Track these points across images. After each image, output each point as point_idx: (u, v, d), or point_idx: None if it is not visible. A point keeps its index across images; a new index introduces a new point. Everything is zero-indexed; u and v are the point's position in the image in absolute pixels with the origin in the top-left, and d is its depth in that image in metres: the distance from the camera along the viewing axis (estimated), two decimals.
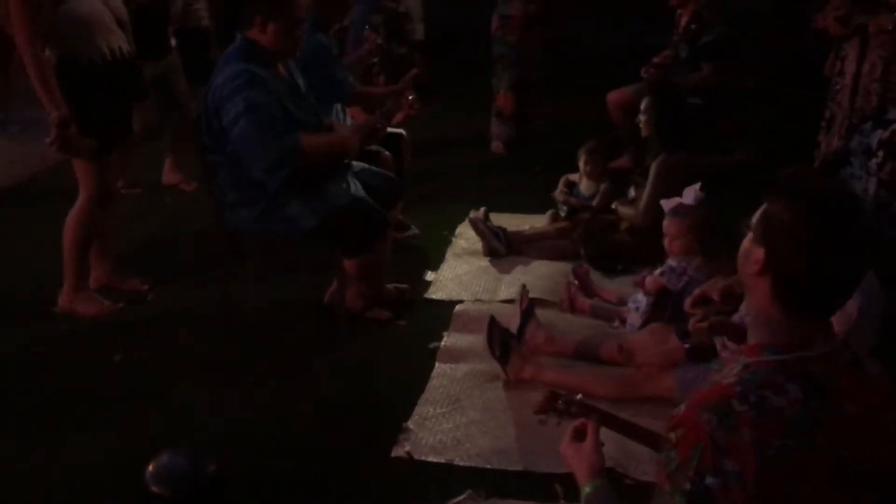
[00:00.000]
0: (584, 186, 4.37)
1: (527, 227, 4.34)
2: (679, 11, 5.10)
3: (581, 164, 4.36)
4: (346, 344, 3.26)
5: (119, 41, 3.39)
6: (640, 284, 3.28)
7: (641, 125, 4.00)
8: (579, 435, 1.80)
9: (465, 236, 4.38)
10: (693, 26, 4.91)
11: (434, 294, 3.71)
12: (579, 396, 1.81)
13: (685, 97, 4.13)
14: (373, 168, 3.48)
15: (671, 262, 3.21)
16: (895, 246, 4.21)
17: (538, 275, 3.83)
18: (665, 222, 3.26)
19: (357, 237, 3.09)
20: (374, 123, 3.41)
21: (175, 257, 4.18)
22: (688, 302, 2.91)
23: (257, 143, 2.92)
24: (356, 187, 3.21)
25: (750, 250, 1.54)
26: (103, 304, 3.56)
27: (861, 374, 1.49)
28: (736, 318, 2.68)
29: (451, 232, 4.47)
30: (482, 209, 4.21)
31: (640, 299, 3.31)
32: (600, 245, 3.97)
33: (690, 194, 3.23)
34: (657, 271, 3.22)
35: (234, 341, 3.28)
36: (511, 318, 3.22)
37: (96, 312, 3.50)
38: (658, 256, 3.89)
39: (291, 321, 3.44)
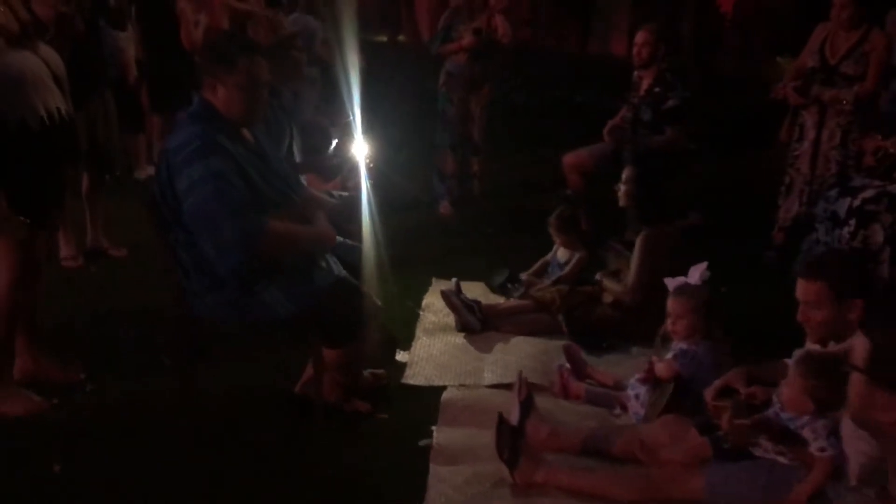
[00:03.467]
0: (561, 254, 4.17)
1: (501, 299, 4.09)
2: (638, 73, 5.01)
3: (553, 235, 4.16)
4: (326, 444, 2.87)
5: (57, 101, 2.98)
6: (647, 376, 3.04)
7: (620, 195, 3.85)
8: None
9: (433, 308, 4.09)
10: (657, 89, 4.82)
11: (412, 379, 3.38)
12: None
13: (667, 169, 3.99)
14: (346, 241, 3.15)
15: (682, 345, 3.00)
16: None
17: (522, 354, 3.56)
18: (669, 301, 3.07)
19: (343, 325, 2.74)
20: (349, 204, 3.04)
21: (111, 339, 3.69)
22: (709, 393, 2.71)
23: (211, 219, 2.55)
24: (338, 267, 2.88)
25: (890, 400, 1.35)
26: (32, 399, 3.07)
27: None
28: (770, 413, 2.48)
29: (415, 303, 4.17)
30: (454, 280, 3.93)
31: (639, 386, 3.09)
32: (582, 320, 3.75)
33: (696, 273, 3.05)
34: (669, 355, 3.01)
35: (198, 444, 2.86)
36: (507, 409, 2.94)
37: (24, 411, 3.01)
38: (645, 333, 3.72)
39: (260, 417, 3.04)
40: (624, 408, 3.11)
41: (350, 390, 3.05)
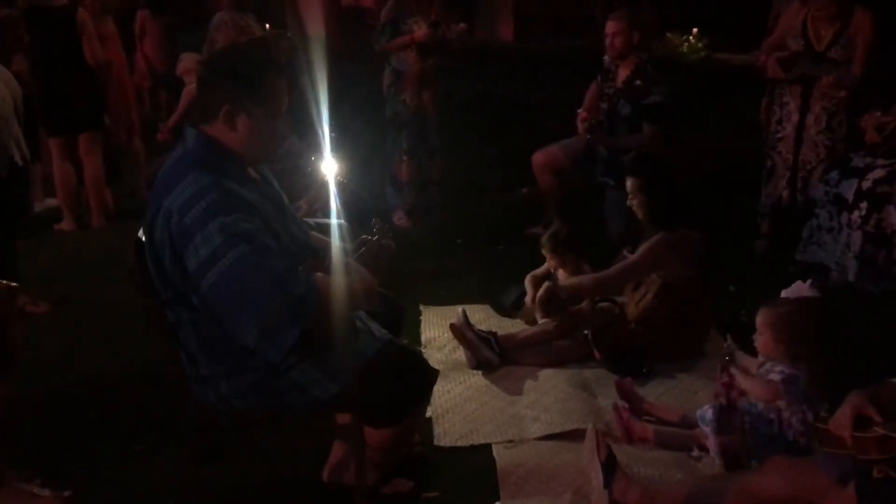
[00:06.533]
0: (563, 278, 3.73)
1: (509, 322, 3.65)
2: (612, 61, 4.62)
3: (549, 258, 3.74)
4: None
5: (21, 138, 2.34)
6: (729, 394, 2.63)
7: (634, 209, 3.46)
8: None
9: (436, 343, 3.59)
10: (637, 82, 4.43)
11: (445, 440, 2.85)
12: None
13: (672, 168, 3.59)
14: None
15: (783, 367, 2.59)
16: (880, 302, 3.99)
17: (560, 393, 3.10)
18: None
19: (396, 401, 2.19)
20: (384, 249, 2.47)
21: (58, 426, 2.99)
22: (844, 425, 2.32)
23: (251, 295, 1.92)
24: (374, 324, 2.32)
25: None
26: None
27: None
28: None
29: (411, 338, 3.64)
30: (461, 310, 3.43)
31: (711, 416, 2.70)
32: (613, 343, 3.33)
33: (795, 289, 2.67)
34: (773, 375, 2.58)
35: None
36: (580, 470, 2.50)
37: None
38: (682, 353, 3.37)
39: None
40: (703, 448, 2.70)
41: (388, 469, 2.51)
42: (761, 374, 2.61)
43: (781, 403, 2.58)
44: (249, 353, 2.01)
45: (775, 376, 2.56)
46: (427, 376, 2.27)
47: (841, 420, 2.30)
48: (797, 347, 2.65)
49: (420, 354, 2.36)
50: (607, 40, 4.50)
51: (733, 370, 2.65)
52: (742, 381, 2.62)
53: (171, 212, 1.96)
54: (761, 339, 2.67)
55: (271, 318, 1.89)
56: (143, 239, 2.06)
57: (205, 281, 1.92)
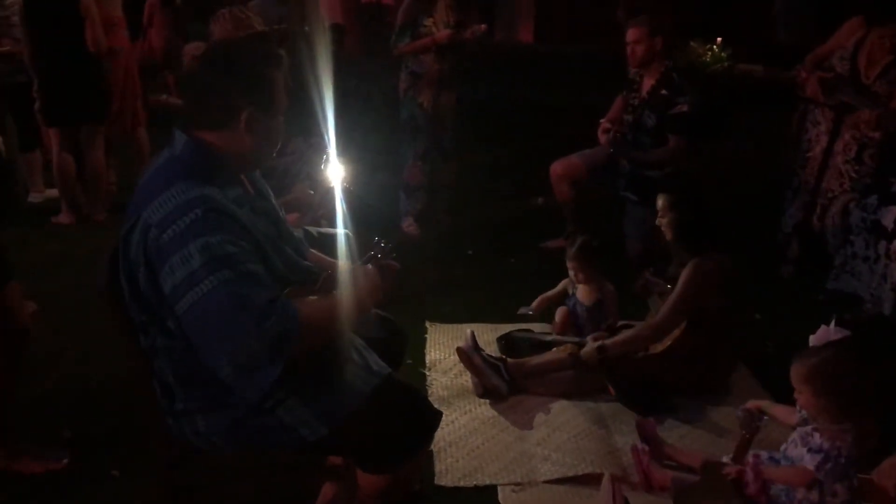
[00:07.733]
0: (583, 295, 3.49)
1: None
2: (637, 71, 4.38)
3: (575, 269, 3.48)
4: None
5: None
6: (756, 489, 2.38)
7: (663, 229, 3.22)
8: None
9: (441, 367, 3.36)
10: (663, 92, 4.18)
11: (446, 479, 2.62)
12: None
13: (703, 187, 3.35)
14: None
15: (822, 440, 2.31)
16: None
17: (575, 429, 2.87)
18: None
19: (392, 447, 1.95)
20: (389, 267, 2.22)
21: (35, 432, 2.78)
22: (886, 474, 2.12)
23: (227, 328, 1.68)
24: (371, 355, 2.09)
25: None
26: None
27: None
28: None
29: (416, 359, 3.41)
30: (469, 332, 3.19)
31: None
32: (630, 377, 3.09)
33: (821, 335, 2.41)
34: (809, 459, 2.30)
35: None
36: None
37: None
38: (706, 387, 3.14)
39: None
40: None
41: None
42: (801, 436, 2.35)
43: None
44: (230, 387, 1.79)
45: (808, 459, 2.28)
46: (428, 420, 2.03)
47: (886, 470, 2.11)
48: (843, 398, 2.37)
49: (421, 394, 2.12)
50: (628, 49, 4.26)
51: (750, 459, 2.37)
52: (767, 472, 2.35)
53: (149, 226, 1.73)
54: (802, 398, 2.38)
55: (247, 355, 1.67)
56: (119, 253, 1.84)
57: (179, 306, 1.69)
